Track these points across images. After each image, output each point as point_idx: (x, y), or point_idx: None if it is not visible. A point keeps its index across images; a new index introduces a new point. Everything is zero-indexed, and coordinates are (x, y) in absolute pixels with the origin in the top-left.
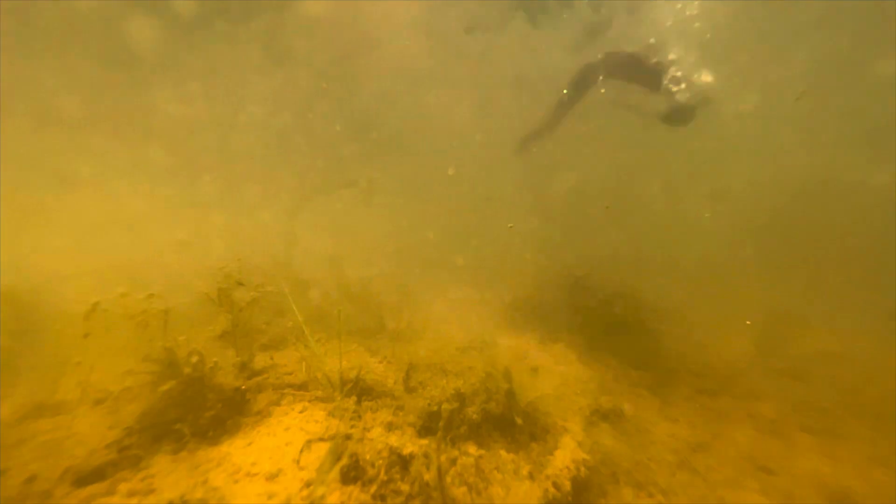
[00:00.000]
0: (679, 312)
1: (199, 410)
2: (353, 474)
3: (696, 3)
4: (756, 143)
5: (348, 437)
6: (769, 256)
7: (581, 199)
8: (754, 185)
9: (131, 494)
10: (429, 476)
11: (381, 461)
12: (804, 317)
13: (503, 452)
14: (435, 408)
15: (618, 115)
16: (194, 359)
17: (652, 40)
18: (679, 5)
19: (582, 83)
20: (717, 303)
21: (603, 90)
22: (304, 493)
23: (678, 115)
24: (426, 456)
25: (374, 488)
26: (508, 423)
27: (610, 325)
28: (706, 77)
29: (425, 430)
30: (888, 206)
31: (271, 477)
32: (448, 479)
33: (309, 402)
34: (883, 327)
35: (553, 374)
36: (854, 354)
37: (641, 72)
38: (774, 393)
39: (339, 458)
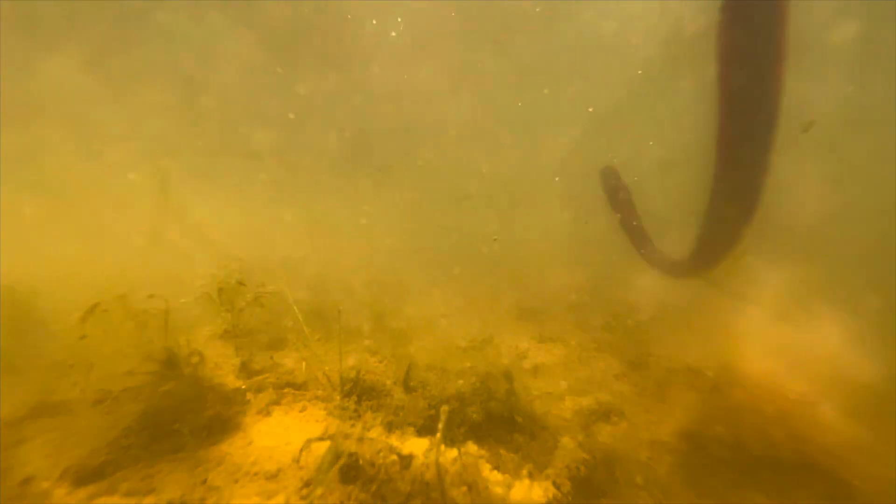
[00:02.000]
0: None
1: (199, 410)
2: (352, 474)
3: None
4: None
5: (348, 436)
6: None
7: None
8: None
9: (131, 494)
10: (429, 476)
11: (380, 461)
12: None
13: (503, 452)
14: (433, 411)
15: None
16: (195, 359)
17: None
18: None
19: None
20: None
21: None
22: (304, 492)
23: None
24: (426, 456)
25: (373, 488)
26: (508, 422)
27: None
28: None
29: (425, 429)
30: None
31: (271, 476)
32: (448, 479)
33: (309, 401)
34: None
35: (553, 374)
36: None
37: None
38: None
39: (338, 458)
